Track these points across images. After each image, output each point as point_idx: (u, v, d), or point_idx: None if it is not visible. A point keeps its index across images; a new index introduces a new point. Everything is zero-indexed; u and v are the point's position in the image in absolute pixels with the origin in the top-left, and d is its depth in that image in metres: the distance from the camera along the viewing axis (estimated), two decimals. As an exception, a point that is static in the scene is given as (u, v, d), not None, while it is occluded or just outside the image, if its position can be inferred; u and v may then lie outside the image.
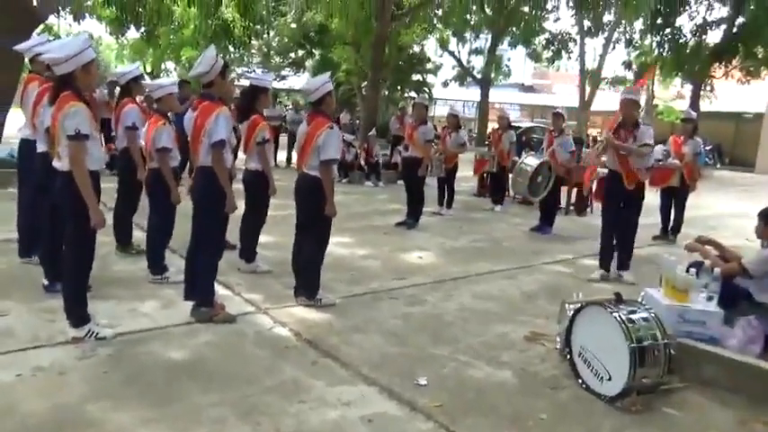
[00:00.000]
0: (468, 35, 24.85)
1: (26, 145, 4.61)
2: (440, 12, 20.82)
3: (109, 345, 3.46)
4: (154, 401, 2.89)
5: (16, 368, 3.09)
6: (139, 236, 5.27)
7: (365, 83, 18.01)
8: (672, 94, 27.04)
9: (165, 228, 4.74)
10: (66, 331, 3.50)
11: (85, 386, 2.98)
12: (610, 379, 3.20)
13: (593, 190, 8.45)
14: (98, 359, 3.28)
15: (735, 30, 21.60)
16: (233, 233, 4.98)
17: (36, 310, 3.89)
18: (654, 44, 22.97)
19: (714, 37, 22.39)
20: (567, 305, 3.80)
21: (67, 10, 14.03)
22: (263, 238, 5.34)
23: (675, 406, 3.20)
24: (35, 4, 9.29)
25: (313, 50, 26.57)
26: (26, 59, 4.98)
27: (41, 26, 12.39)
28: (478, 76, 26.24)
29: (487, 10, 20.72)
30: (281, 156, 13.34)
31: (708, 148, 22.38)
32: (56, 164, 3.51)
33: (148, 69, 26.38)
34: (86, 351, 3.35)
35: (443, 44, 25.86)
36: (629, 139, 5.29)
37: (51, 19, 15.82)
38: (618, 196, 5.50)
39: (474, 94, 28.92)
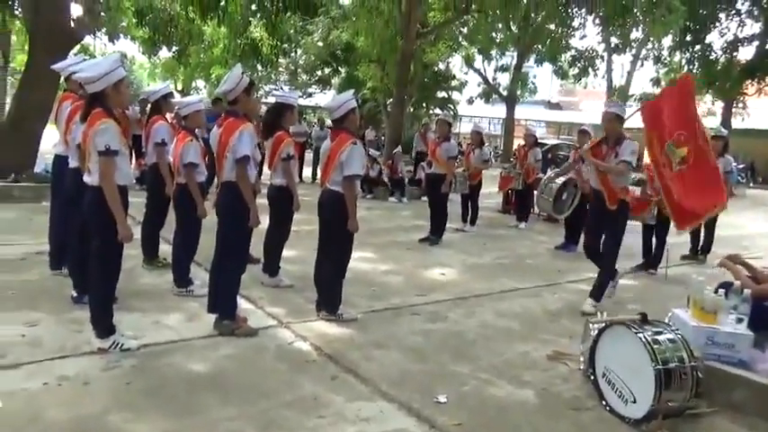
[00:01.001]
0: (493, 52, 24.87)
1: (59, 160, 4.76)
2: (465, 29, 20.91)
3: (133, 356, 3.52)
4: (174, 413, 2.92)
5: (43, 377, 3.16)
6: (166, 249, 5.37)
7: (390, 100, 18.13)
8: (702, 111, 26.59)
9: (190, 242, 4.82)
10: (92, 342, 3.57)
11: (108, 396, 3.02)
12: (634, 401, 3.13)
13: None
14: (122, 370, 3.34)
15: (768, 46, 21.22)
16: (257, 247, 5.04)
17: (64, 321, 3.97)
18: (683, 61, 22.70)
19: (746, 53, 22.05)
20: (590, 324, 3.74)
21: (103, 31, 14.52)
22: (286, 253, 5.38)
23: (703, 431, 3.10)
24: (73, 25, 9.63)
25: (339, 68, 26.90)
26: (62, 78, 5.17)
27: (78, 46, 12.85)
28: (504, 93, 26.19)
29: (513, 27, 20.73)
30: (307, 172, 13.50)
31: (740, 166, 21.95)
32: (86, 178, 3.61)
33: (179, 87, 27.08)
34: (111, 362, 3.41)
35: (469, 61, 25.91)
36: (611, 155, 4.92)
37: (87, 39, 16.39)
38: (599, 217, 5.09)
39: (500, 110, 28.83)
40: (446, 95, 27.04)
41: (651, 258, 7.04)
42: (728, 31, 22.06)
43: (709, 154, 5.04)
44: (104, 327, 3.57)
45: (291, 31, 17.97)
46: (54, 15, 9.03)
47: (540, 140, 12.88)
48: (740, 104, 23.18)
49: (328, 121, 10.25)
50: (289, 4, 14.35)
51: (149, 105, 5.67)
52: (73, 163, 4.35)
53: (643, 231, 7.45)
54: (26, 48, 11.92)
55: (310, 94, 29.98)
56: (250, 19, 15.63)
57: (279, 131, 5.07)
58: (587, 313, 4.74)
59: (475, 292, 5.52)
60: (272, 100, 5.53)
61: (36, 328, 3.84)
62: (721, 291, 3.69)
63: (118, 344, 3.55)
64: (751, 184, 22.89)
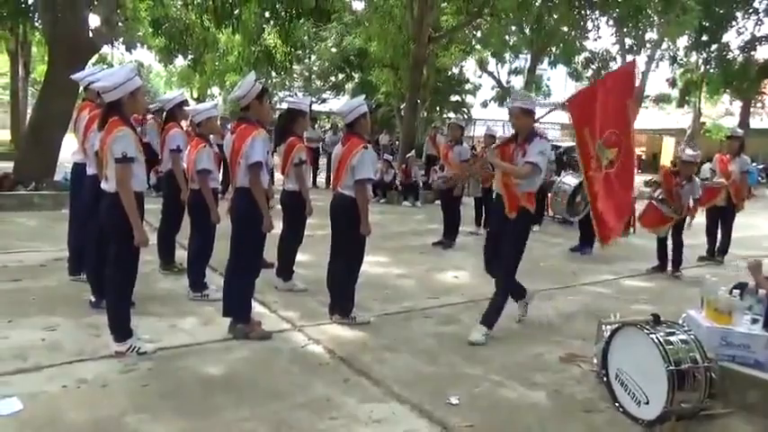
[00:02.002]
0: (507, 55, 24.82)
1: (77, 168, 4.86)
2: (478, 33, 20.91)
3: (149, 359, 3.58)
4: (189, 415, 2.97)
5: (62, 380, 3.23)
6: (182, 255, 5.45)
7: (404, 104, 18.19)
8: (720, 112, 26.28)
9: (205, 247, 4.89)
10: (109, 345, 3.64)
11: (126, 398, 3.09)
12: (647, 403, 3.12)
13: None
14: (139, 373, 3.40)
15: (786, 44, 20.93)
16: (270, 252, 5.10)
17: (82, 326, 4.06)
18: (700, 61, 22.45)
19: (764, 53, 21.78)
20: (603, 326, 3.73)
21: (121, 41, 14.78)
22: (299, 257, 5.44)
23: (717, 432, 3.08)
24: (91, 36, 9.82)
25: (353, 74, 27.02)
26: (81, 88, 5.29)
27: (96, 56, 13.11)
28: (518, 96, 26.12)
29: (526, 30, 20.69)
30: (321, 177, 13.58)
31: (760, 166, 21.63)
32: (103, 185, 3.69)
33: (195, 95, 27.40)
34: (128, 365, 3.48)
35: (482, 65, 25.91)
36: (519, 154, 4.22)
37: (105, 49, 16.68)
38: (496, 225, 4.49)
39: (513, 114, 28.75)
40: (459, 99, 27.05)
41: (673, 261, 6.94)
42: (746, 30, 21.81)
43: (632, 160, 4.54)
44: (122, 331, 3.64)
45: (305, 38, 18.09)
46: (73, 27, 9.24)
47: (553, 143, 12.84)
48: (758, 104, 22.88)
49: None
50: (302, 10, 14.50)
51: (164, 113, 5.77)
52: (91, 170, 4.45)
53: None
54: (46, 59, 12.16)
55: (324, 100, 30.14)
56: (264, 26, 15.79)
57: (291, 137, 5.13)
58: (475, 343, 4.17)
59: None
60: (285, 107, 5.59)
61: (55, 332, 3.92)
62: (736, 291, 3.66)
63: (135, 347, 3.62)
64: (771, 185, 22.51)
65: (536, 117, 4.36)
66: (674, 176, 6.58)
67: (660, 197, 6.57)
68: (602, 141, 4.31)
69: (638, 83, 23.66)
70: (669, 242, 6.78)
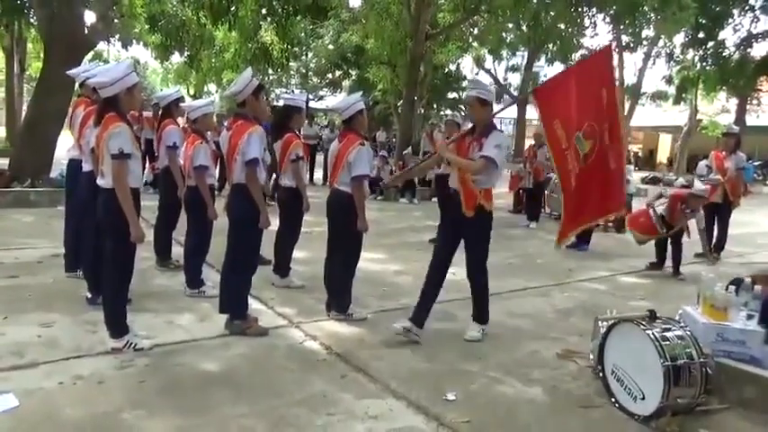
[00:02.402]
0: (504, 53, 24.82)
1: (73, 164, 4.85)
2: (475, 30, 20.88)
3: (146, 355, 3.58)
4: (186, 411, 2.97)
5: (59, 376, 3.23)
6: (178, 251, 5.44)
7: (401, 101, 18.18)
8: (716, 109, 26.32)
9: (201, 243, 4.89)
10: (106, 342, 3.64)
11: (122, 395, 3.08)
12: (643, 398, 3.13)
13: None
14: (135, 369, 3.40)
15: (782, 42, 20.96)
16: (267, 249, 5.09)
17: (79, 322, 4.05)
18: (696, 58, 22.47)
19: (760, 50, 21.80)
20: (599, 322, 3.74)
21: (117, 37, 14.69)
22: (296, 254, 5.43)
23: (713, 428, 3.09)
24: (87, 32, 9.78)
25: (350, 71, 27.01)
26: (77, 84, 5.26)
27: (92, 53, 13.05)
28: (515, 94, 26.14)
29: (523, 27, 20.67)
30: (318, 174, 13.56)
31: (756, 163, 21.70)
32: (99, 181, 3.68)
33: (191, 92, 27.34)
34: (125, 361, 3.47)
35: (479, 62, 25.91)
36: (475, 147, 3.98)
37: (101, 45, 16.64)
38: (453, 224, 4.20)
39: (511, 111, 28.79)
40: (456, 96, 27.06)
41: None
42: (742, 27, 21.81)
43: (615, 152, 4.16)
44: (118, 327, 3.64)
45: (302, 35, 18.07)
46: (69, 23, 9.20)
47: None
48: (755, 101, 22.92)
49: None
50: (299, 7, 14.45)
51: (161, 110, 5.75)
52: (87, 167, 4.43)
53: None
54: (42, 55, 12.11)
55: (321, 97, 30.13)
56: (260, 23, 15.74)
57: (288, 133, 5.12)
58: (471, 340, 4.15)
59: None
60: (282, 103, 5.59)
61: (52, 328, 3.92)
62: (732, 288, 3.66)
63: (131, 344, 3.62)
64: (767, 182, 22.60)
65: (494, 111, 4.17)
66: (680, 203, 6.53)
67: (661, 213, 6.57)
68: (582, 134, 3.99)
69: (635, 80, 23.69)
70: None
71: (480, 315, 4.33)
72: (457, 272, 6.20)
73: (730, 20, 21.49)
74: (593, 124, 4.01)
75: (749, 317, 3.53)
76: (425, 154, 13.68)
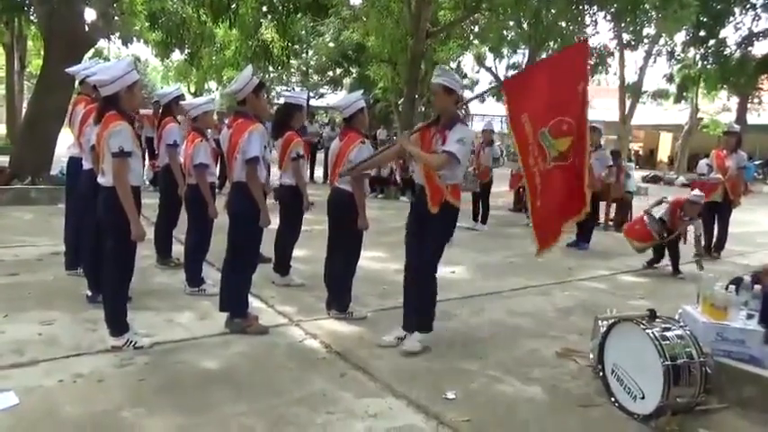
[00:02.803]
0: (504, 50, 24.76)
1: (73, 162, 4.85)
2: (476, 28, 20.85)
3: (146, 353, 3.58)
4: (186, 409, 2.97)
5: (58, 374, 3.23)
6: (179, 249, 5.44)
7: (402, 99, 18.16)
8: (717, 107, 26.30)
9: (202, 242, 4.89)
10: (106, 340, 3.64)
11: (122, 393, 3.08)
12: (643, 397, 3.13)
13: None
14: (135, 367, 3.40)
15: (783, 40, 20.93)
16: (268, 247, 5.09)
17: (79, 320, 4.05)
18: (697, 56, 22.45)
19: (761, 48, 21.80)
20: (599, 321, 3.74)
21: (117, 35, 14.68)
22: (297, 252, 5.43)
23: (712, 427, 3.09)
24: (87, 30, 9.77)
25: (350, 68, 26.98)
26: (77, 82, 5.26)
27: (92, 50, 13.04)
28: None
29: (524, 25, 20.64)
30: (319, 172, 13.56)
31: (757, 162, 21.67)
32: (100, 179, 3.68)
33: (192, 90, 27.32)
34: (125, 359, 3.48)
35: (480, 60, 25.86)
36: (438, 140, 3.79)
37: (102, 43, 16.62)
38: (419, 220, 3.93)
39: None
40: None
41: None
42: (743, 25, 21.79)
43: (585, 149, 3.86)
44: (118, 325, 3.64)
45: (302, 33, 18.04)
46: (69, 21, 9.19)
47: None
48: (756, 100, 22.89)
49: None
50: (299, 5, 14.42)
51: (161, 108, 5.75)
52: (87, 165, 4.43)
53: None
54: (42, 53, 12.10)
55: (322, 95, 30.09)
56: (261, 21, 15.72)
57: (288, 132, 5.11)
58: (411, 352, 3.84)
59: (485, 291, 5.53)
60: (282, 101, 5.58)
61: (52, 326, 3.92)
62: (732, 287, 3.66)
63: (131, 342, 3.62)
64: (767, 181, 22.59)
65: (460, 100, 3.99)
66: (679, 210, 6.53)
67: (661, 216, 6.58)
68: (549, 130, 3.73)
69: (636, 78, 23.64)
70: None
71: (422, 323, 3.94)
72: (457, 270, 6.24)
73: (731, 18, 21.48)
74: (569, 121, 3.74)
75: (749, 316, 3.52)
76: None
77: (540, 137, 3.75)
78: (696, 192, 6.70)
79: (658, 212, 6.68)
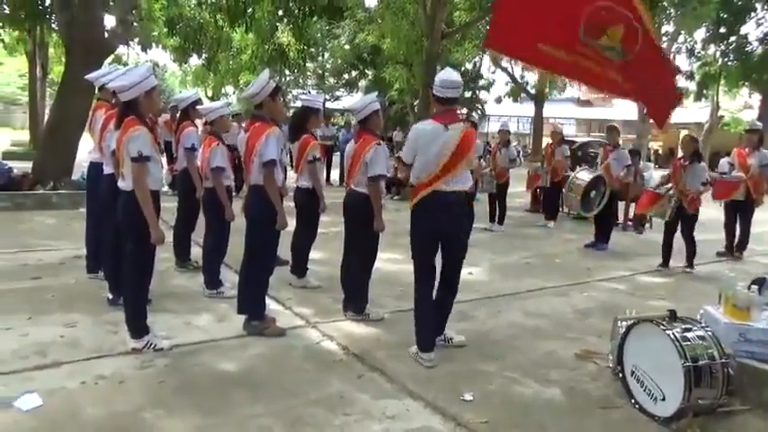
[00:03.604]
0: (521, 50, 24.63)
1: (94, 167, 4.92)
2: (492, 28, 20.75)
3: (166, 355, 3.62)
4: (205, 410, 3.00)
5: (81, 376, 3.28)
6: (197, 252, 5.50)
7: (417, 101, 18.14)
8: (739, 105, 25.83)
9: (220, 245, 4.93)
10: (126, 342, 3.69)
11: (142, 394, 3.13)
12: (664, 399, 3.09)
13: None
14: (155, 369, 3.44)
15: (807, 35, 20.52)
16: (285, 249, 5.12)
17: (100, 323, 4.12)
18: (718, 53, 22.08)
19: (784, 44, 21.32)
20: (619, 322, 3.70)
21: (136, 41, 14.90)
22: (313, 255, 5.46)
23: (735, 430, 3.05)
24: (107, 36, 9.93)
25: (366, 71, 27.02)
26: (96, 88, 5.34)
27: (112, 56, 13.24)
28: (532, 92, 25.94)
29: (541, 25, 20.51)
30: (335, 174, 13.59)
31: (780, 160, 21.22)
32: (120, 184, 3.74)
33: (209, 94, 27.60)
34: (145, 361, 3.52)
35: (496, 60, 25.72)
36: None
37: (121, 49, 16.87)
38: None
39: (528, 109, 28.60)
40: (474, 95, 26.91)
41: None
42: (765, 21, 21.34)
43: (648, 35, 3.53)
44: (138, 327, 3.69)
45: (318, 36, 18.13)
46: (89, 28, 9.34)
47: (567, 138, 12.77)
48: (778, 97, 22.43)
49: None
50: (315, 8, 14.51)
51: (179, 112, 5.81)
52: (107, 169, 4.50)
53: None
54: (63, 59, 12.31)
55: (338, 97, 30.18)
56: (277, 24, 15.85)
57: (305, 135, 5.14)
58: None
59: (502, 292, 5.51)
60: (299, 104, 5.62)
61: (74, 329, 3.98)
62: (754, 287, 3.60)
63: (151, 344, 3.67)
64: (791, 179, 22.10)
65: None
66: (677, 159, 6.65)
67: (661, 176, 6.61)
68: (584, 28, 3.36)
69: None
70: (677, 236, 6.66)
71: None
72: (474, 271, 6.21)
73: (753, 14, 21.06)
74: (603, 7, 3.31)
75: (773, 317, 3.46)
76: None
77: (584, 47, 3.37)
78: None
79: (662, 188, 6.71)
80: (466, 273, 6.10)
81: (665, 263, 6.68)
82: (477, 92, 27.37)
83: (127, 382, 3.26)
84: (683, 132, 31.80)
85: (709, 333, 3.17)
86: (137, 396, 3.10)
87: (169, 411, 2.96)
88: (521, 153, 10.51)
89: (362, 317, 4.46)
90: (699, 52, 22.80)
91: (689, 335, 3.11)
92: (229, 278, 5.01)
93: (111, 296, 4.44)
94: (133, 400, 3.06)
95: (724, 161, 7.90)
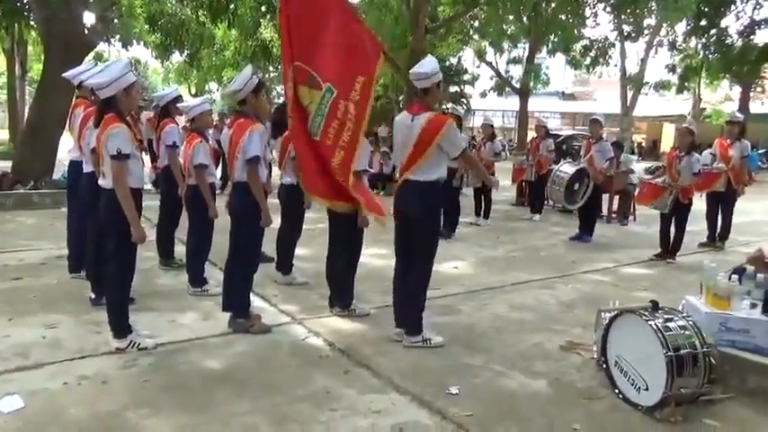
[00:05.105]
0: (505, 45, 24.71)
1: (74, 166, 4.86)
2: (476, 23, 20.80)
3: (150, 355, 3.59)
4: (190, 409, 2.98)
5: (63, 377, 3.24)
6: (181, 250, 5.45)
7: (402, 96, 18.14)
8: (720, 97, 26.18)
9: (203, 242, 4.90)
10: (109, 342, 3.65)
11: (126, 394, 3.09)
12: (647, 389, 3.12)
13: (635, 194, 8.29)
14: (139, 368, 3.41)
15: (786, 28, 20.84)
16: (270, 246, 5.10)
17: (83, 323, 4.07)
18: (699, 46, 22.35)
19: (763, 36, 21.72)
20: (602, 313, 3.73)
21: (116, 37, 14.68)
22: (299, 251, 5.44)
23: (717, 418, 3.08)
24: (86, 33, 9.79)
25: (351, 66, 26.85)
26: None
27: (92, 53, 13.05)
28: (517, 86, 26.05)
29: (524, 19, 20.60)
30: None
31: (760, 151, 21.55)
32: (100, 182, 3.69)
33: (193, 91, 27.35)
34: (128, 361, 3.49)
35: (480, 55, 25.81)
36: None
37: (102, 46, 16.63)
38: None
39: (513, 103, 28.73)
40: (458, 90, 26.96)
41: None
42: (744, 13, 21.67)
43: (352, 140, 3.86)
44: (121, 327, 3.65)
45: (302, 31, 17.89)
46: (68, 25, 9.20)
47: (552, 132, 12.84)
48: (758, 89, 22.78)
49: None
50: (298, 4, 14.38)
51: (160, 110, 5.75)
52: (87, 168, 4.44)
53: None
54: (42, 57, 12.11)
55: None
56: (260, 20, 15.71)
57: (287, 131, 5.10)
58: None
59: (488, 285, 5.53)
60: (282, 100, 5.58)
61: (56, 329, 3.93)
62: (734, 276, 3.65)
63: (135, 343, 3.63)
64: (772, 170, 22.47)
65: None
66: (673, 150, 6.77)
67: (656, 167, 6.67)
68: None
69: (637, 70, 23.53)
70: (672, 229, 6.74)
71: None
72: (459, 266, 6.23)
73: (732, 7, 21.36)
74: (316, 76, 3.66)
75: (753, 305, 3.51)
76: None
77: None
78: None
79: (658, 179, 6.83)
80: (452, 267, 6.16)
81: (665, 253, 6.74)
82: (462, 86, 27.40)
83: (110, 382, 3.23)
84: (666, 125, 32.21)
85: (691, 323, 3.20)
86: (120, 396, 3.07)
87: (153, 410, 2.94)
88: (506, 147, 10.52)
89: (348, 312, 4.46)
90: (680, 45, 23.06)
91: (671, 325, 3.14)
92: (214, 276, 4.97)
93: (93, 296, 4.39)
94: (117, 400, 3.03)
95: (706, 152, 7.99)
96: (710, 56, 22.01)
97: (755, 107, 22.61)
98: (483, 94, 29.39)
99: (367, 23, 16.69)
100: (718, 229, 7.64)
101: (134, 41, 15.88)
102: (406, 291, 3.98)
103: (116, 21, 13.17)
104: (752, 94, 22.76)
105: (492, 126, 9.12)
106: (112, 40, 14.94)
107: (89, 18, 10.77)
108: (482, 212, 8.78)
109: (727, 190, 7.43)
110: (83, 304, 4.39)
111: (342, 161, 3.74)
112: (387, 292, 5.08)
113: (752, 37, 21.65)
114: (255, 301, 4.45)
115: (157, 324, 4.11)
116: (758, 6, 21.45)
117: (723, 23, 21.82)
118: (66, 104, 8.64)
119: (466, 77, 28.10)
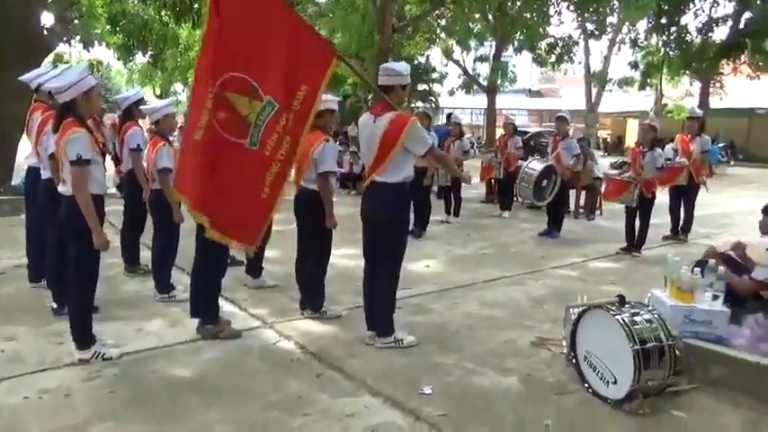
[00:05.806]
0: (471, 43, 24.88)
1: (32, 172, 4.70)
2: (442, 21, 20.90)
3: (115, 365, 3.50)
4: (158, 420, 2.91)
5: (23, 391, 3.14)
6: (147, 256, 5.33)
7: (371, 95, 18.12)
8: (681, 93, 26.85)
9: (169, 247, 4.79)
10: (72, 353, 3.54)
11: (90, 407, 3.01)
12: (615, 382, 3.17)
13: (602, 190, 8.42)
14: (103, 380, 3.32)
15: (741, 25, 21.47)
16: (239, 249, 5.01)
17: (44, 334, 3.94)
18: (660, 44, 22.87)
19: (721, 34, 22.29)
20: (570, 309, 3.78)
21: (77, 38, 14.28)
22: (269, 254, 5.38)
23: (683, 408, 3.15)
24: (45, 34, 9.50)
25: (319, 65, 26.71)
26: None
27: (53, 55, 12.70)
28: (484, 84, 26.26)
29: (490, 17, 20.77)
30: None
31: (720, 145, 22.17)
32: (60, 188, 3.58)
33: (157, 92, 26.84)
34: (92, 372, 3.39)
35: (447, 53, 25.94)
36: None
37: (62, 48, 16.14)
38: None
39: (481, 101, 28.93)
40: (427, 88, 27.06)
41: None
42: (703, 12, 22.24)
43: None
44: (84, 337, 3.54)
45: (268, 31, 17.68)
46: (25, 26, 8.92)
47: (520, 128, 12.98)
48: (717, 84, 23.42)
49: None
50: (263, 3, 14.22)
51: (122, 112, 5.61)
52: (45, 174, 4.31)
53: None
54: (-2, 59, 11.72)
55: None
56: (225, 20, 15.47)
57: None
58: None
59: (459, 283, 5.55)
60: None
61: (15, 342, 3.80)
62: (697, 269, 3.73)
63: (99, 353, 3.53)
64: (732, 163, 23.16)
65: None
66: (637, 145, 6.97)
67: (620, 162, 6.83)
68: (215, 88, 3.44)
69: (601, 66, 23.97)
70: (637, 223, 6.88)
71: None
72: (431, 264, 6.25)
73: (691, 5, 21.90)
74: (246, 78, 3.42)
75: (714, 297, 3.60)
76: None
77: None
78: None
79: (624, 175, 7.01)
80: (423, 265, 6.17)
81: (630, 246, 6.89)
82: (431, 85, 27.51)
83: (73, 394, 3.13)
84: (630, 121, 32.80)
85: (656, 316, 3.26)
86: (84, 409, 2.98)
87: (119, 423, 2.86)
88: (474, 145, 10.57)
89: (320, 314, 4.42)
90: (642, 43, 23.56)
91: (637, 318, 3.20)
92: (181, 281, 4.88)
93: (55, 306, 4.25)
94: (80, 413, 2.94)
95: (668, 147, 8.17)
96: (671, 53, 22.52)
97: (715, 102, 23.23)
98: (451, 93, 29.55)
99: (333, 23, 16.56)
100: (681, 222, 7.83)
101: (95, 42, 15.46)
102: (376, 292, 3.96)
103: (76, 21, 12.83)
104: (711, 89, 23.38)
105: (459, 124, 9.16)
106: (73, 41, 14.54)
107: (48, 19, 10.47)
108: (452, 210, 8.82)
109: (689, 184, 7.62)
110: (44, 315, 4.25)
111: (278, 172, 3.56)
112: (358, 293, 5.05)
113: (710, 34, 22.25)
114: (225, 306, 4.38)
115: (123, 333, 4.00)
116: (716, 5, 22.07)
117: (683, 21, 22.36)
118: (24, 109, 8.34)
119: (434, 76, 28.21)
